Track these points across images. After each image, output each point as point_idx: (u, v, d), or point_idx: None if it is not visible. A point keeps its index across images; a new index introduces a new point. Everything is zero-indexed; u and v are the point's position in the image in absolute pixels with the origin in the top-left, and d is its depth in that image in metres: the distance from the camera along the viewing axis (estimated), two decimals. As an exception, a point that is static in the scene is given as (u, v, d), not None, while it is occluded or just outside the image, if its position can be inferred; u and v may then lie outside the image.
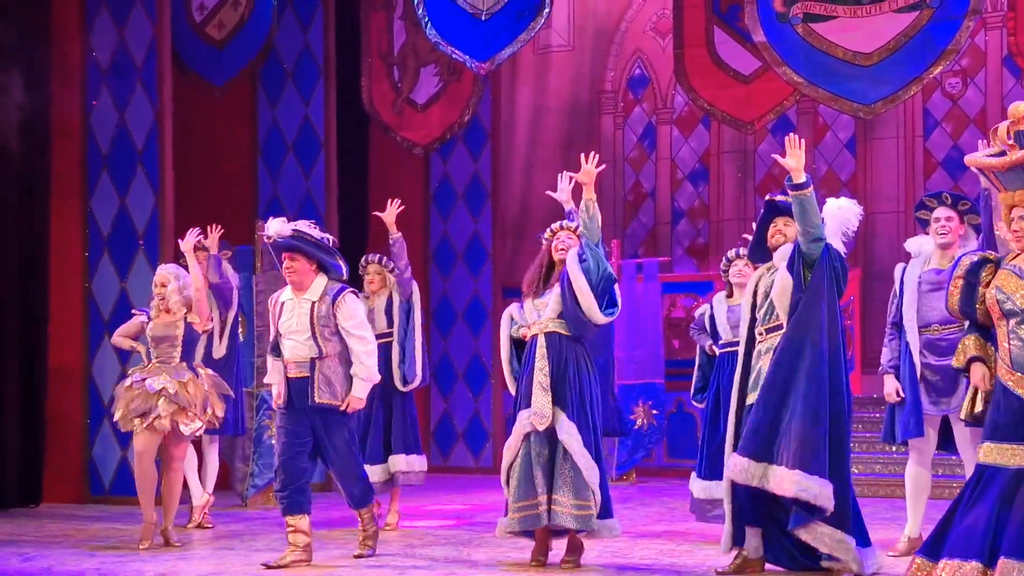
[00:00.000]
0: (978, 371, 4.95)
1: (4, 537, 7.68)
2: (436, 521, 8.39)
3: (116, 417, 7.32)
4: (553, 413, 6.16)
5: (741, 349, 5.93)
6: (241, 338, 9.53)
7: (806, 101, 10.51)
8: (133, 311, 7.77)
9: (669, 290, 11.40)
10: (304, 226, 6.49)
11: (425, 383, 8.29)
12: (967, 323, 5.06)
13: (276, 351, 6.50)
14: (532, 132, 13.09)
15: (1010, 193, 4.90)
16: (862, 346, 10.62)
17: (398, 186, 11.94)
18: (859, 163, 12.07)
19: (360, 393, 6.42)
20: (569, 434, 6.13)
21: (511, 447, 6.28)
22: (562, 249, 6.40)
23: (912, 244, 6.81)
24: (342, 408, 6.39)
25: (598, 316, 6.23)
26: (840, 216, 5.92)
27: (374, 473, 7.74)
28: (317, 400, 6.34)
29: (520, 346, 6.48)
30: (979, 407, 4.95)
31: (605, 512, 6.21)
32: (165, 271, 7.47)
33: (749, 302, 5.94)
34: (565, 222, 6.55)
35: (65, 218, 9.65)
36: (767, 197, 6.03)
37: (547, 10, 9.46)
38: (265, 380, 6.81)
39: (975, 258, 5.01)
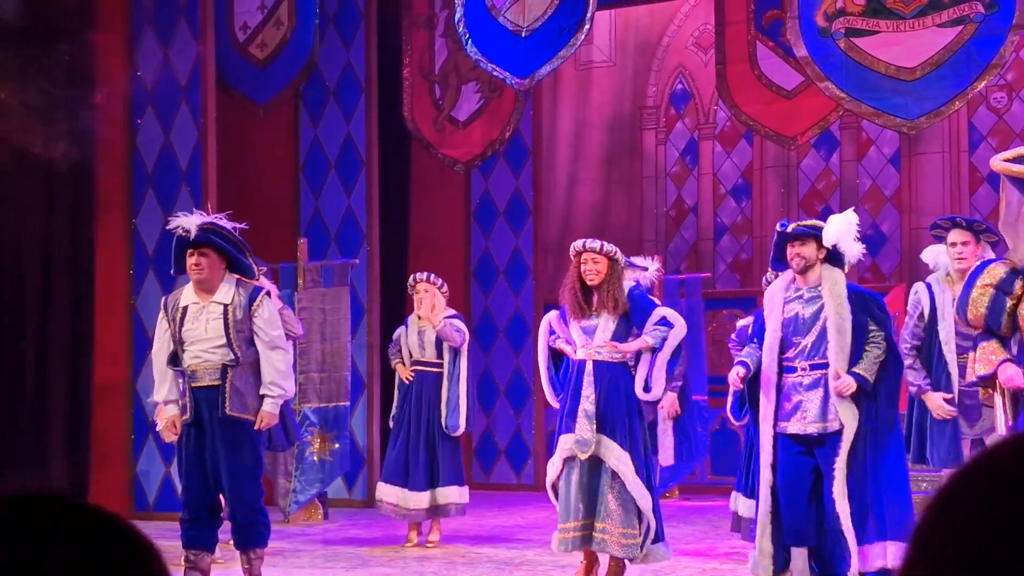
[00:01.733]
0: (1009, 369, 4.65)
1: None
2: (478, 539, 8.39)
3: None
4: (601, 440, 6.06)
5: (773, 368, 5.70)
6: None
7: (850, 116, 10.44)
8: None
9: (712, 306, 11.35)
10: (215, 219, 5.94)
11: (468, 430, 8.19)
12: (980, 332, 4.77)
13: (174, 361, 5.87)
14: (574, 148, 13.08)
15: None
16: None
17: (439, 203, 11.98)
18: (904, 178, 11.98)
19: (272, 409, 5.81)
20: (621, 461, 6.04)
21: (554, 465, 6.23)
22: (592, 276, 6.13)
23: (928, 255, 6.66)
24: (256, 425, 5.80)
25: (658, 392, 6.12)
26: (849, 230, 5.81)
27: (419, 500, 7.71)
28: (228, 412, 5.74)
29: (557, 355, 6.39)
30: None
31: (657, 536, 6.17)
32: None
33: (779, 319, 5.73)
34: (588, 242, 6.27)
35: (111, 236, 9.74)
36: (777, 228, 5.88)
37: (588, 26, 9.46)
38: (155, 397, 6.07)
39: (1006, 268, 4.72)
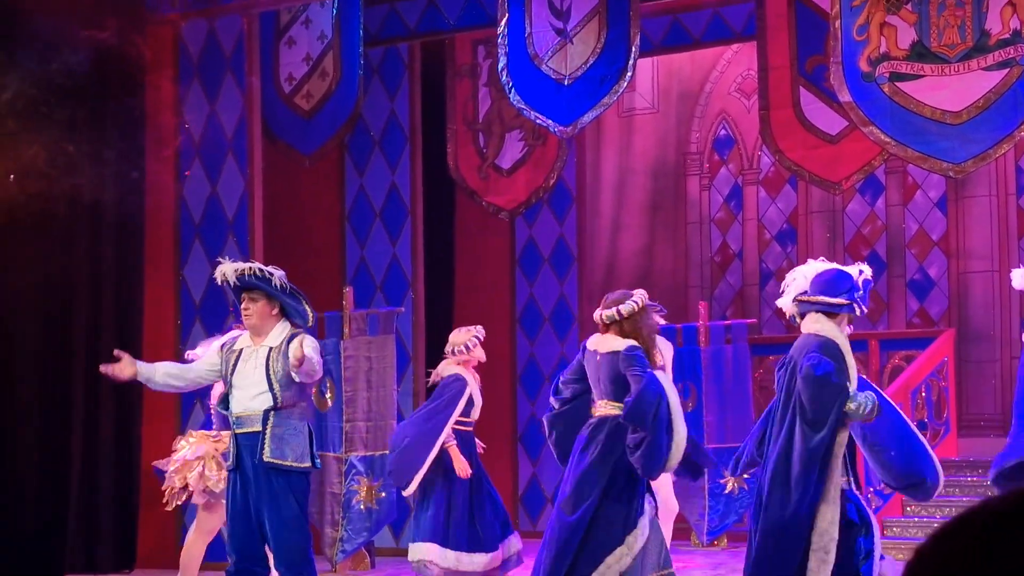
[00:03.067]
0: None
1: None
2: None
3: (206, 484, 6.84)
4: None
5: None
6: (330, 403, 9.60)
7: (895, 160, 10.40)
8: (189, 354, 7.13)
9: (758, 352, 11.27)
10: (262, 267, 5.97)
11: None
12: None
13: (225, 404, 5.93)
14: (618, 194, 13.09)
15: None
16: (957, 408, 10.41)
17: (484, 250, 12.01)
18: (951, 222, 11.89)
19: (312, 354, 5.70)
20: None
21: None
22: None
23: (1017, 276, 6.57)
24: (293, 364, 5.66)
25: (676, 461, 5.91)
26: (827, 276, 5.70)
27: (485, 562, 7.35)
28: (267, 458, 5.69)
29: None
30: None
31: None
32: None
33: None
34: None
35: (159, 285, 9.83)
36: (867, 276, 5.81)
37: (630, 73, 9.49)
38: (149, 371, 6.02)
39: None
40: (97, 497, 9.43)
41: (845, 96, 8.83)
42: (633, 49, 9.38)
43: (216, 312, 9.72)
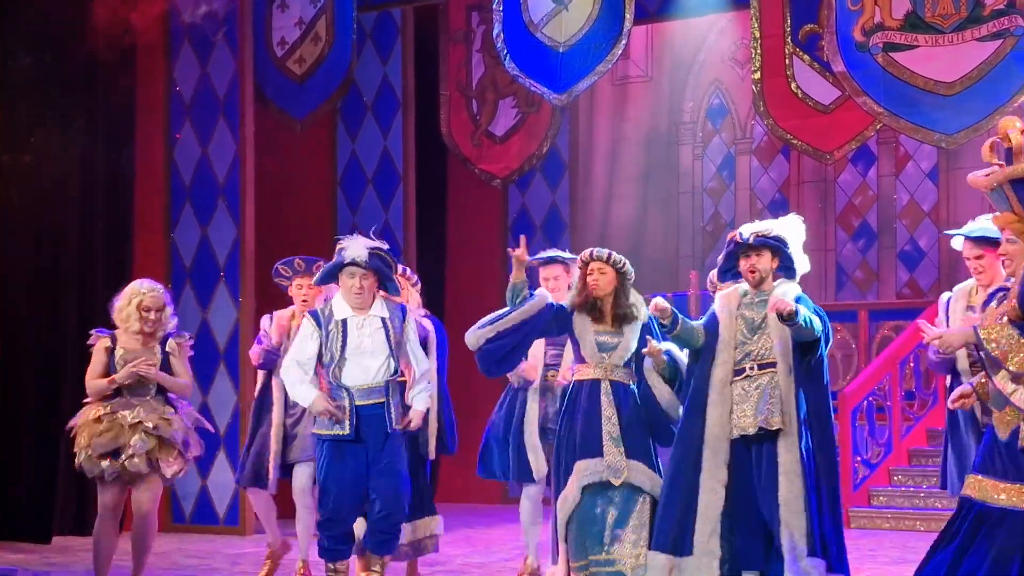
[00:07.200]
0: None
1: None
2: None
3: (78, 459, 6.37)
4: (631, 465, 5.79)
5: (727, 373, 5.65)
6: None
7: (887, 131, 10.39)
8: (92, 332, 6.78)
9: (748, 321, 11.27)
10: (380, 245, 6.16)
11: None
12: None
13: (308, 369, 5.98)
14: (610, 163, 13.08)
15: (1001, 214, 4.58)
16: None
17: (476, 218, 12.00)
18: (942, 193, 11.90)
19: (423, 407, 6.06)
20: (655, 482, 5.83)
21: (571, 497, 5.83)
22: (596, 287, 5.93)
23: (958, 240, 6.44)
24: (410, 425, 6.02)
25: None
26: (799, 234, 5.75)
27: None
28: (395, 426, 5.96)
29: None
30: None
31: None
32: (159, 292, 6.60)
33: (733, 327, 5.67)
34: (596, 251, 6.00)
35: (149, 249, 9.82)
36: (729, 238, 5.76)
37: (624, 41, 9.45)
38: (301, 398, 6.05)
39: None
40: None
41: (839, 66, 8.81)
42: (628, 16, 9.35)
43: (206, 275, 9.71)
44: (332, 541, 6.02)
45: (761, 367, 5.58)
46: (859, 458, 9.79)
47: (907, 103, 8.54)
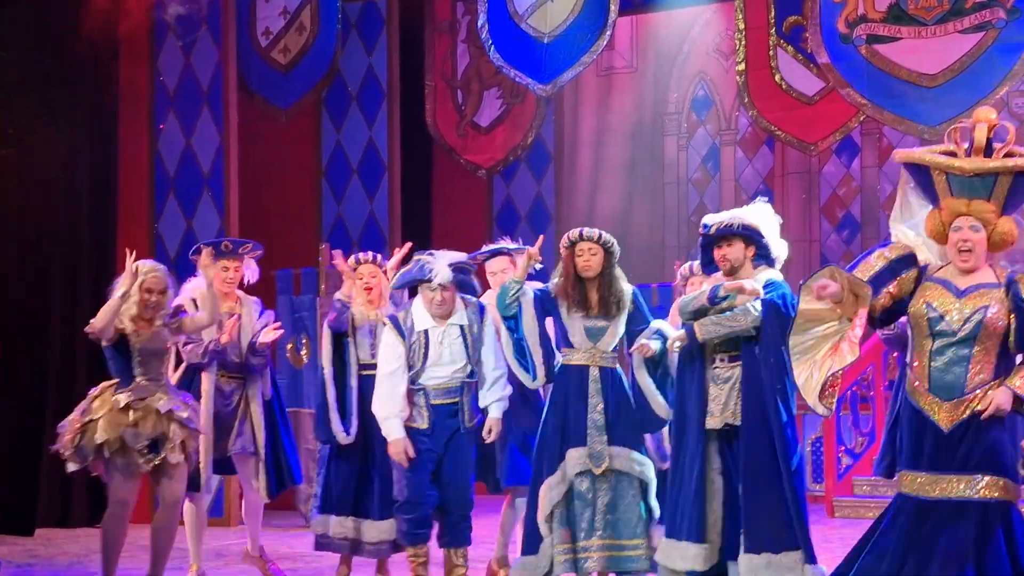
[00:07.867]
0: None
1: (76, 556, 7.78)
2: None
3: (106, 452, 5.90)
4: (614, 452, 5.77)
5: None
6: (305, 359, 9.63)
7: (870, 122, 10.42)
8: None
9: (732, 312, 11.31)
10: (459, 258, 6.16)
11: None
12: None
13: (398, 380, 6.01)
14: (595, 154, 13.09)
15: (961, 200, 4.56)
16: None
17: (461, 208, 12.01)
18: (926, 184, 11.94)
19: (499, 414, 6.11)
20: (644, 465, 5.84)
21: (556, 485, 5.80)
22: (586, 266, 5.83)
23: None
24: (489, 437, 6.09)
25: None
26: (770, 220, 5.69)
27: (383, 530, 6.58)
28: (468, 424, 6.09)
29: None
30: None
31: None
32: (160, 273, 6.30)
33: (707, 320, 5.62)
34: (586, 230, 5.87)
35: (133, 240, 9.75)
36: (701, 228, 5.69)
37: (609, 32, 9.47)
38: (384, 412, 6.03)
39: (908, 249, 4.71)
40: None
41: (823, 58, 8.85)
42: (613, 8, 9.36)
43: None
44: (411, 524, 6.06)
45: (732, 359, 5.57)
46: (843, 448, 9.83)
47: (890, 95, 8.58)
